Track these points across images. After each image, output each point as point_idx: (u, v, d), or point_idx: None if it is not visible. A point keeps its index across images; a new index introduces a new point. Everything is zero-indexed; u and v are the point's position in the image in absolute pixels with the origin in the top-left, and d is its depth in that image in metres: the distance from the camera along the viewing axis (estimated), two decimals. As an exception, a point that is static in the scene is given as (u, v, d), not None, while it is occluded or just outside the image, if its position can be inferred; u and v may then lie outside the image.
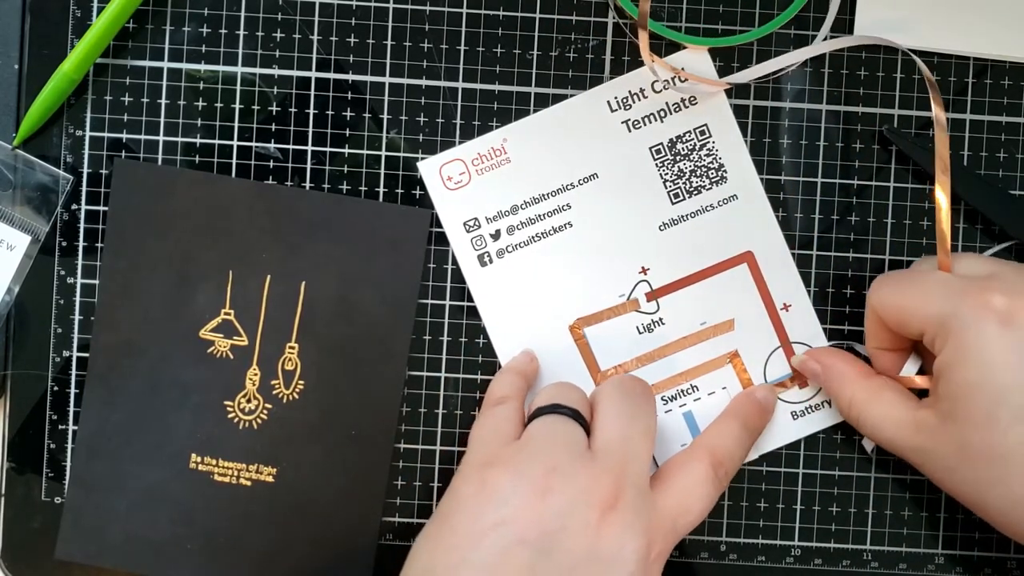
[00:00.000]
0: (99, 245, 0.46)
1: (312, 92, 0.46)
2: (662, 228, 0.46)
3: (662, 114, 0.46)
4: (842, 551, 0.47)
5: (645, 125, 0.46)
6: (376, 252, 0.45)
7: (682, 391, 0.46)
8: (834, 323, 0.46)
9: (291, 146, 0.46)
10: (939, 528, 0.47)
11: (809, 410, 0.46)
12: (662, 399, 0.46)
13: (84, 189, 0.46)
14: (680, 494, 0.41)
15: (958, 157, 0.47)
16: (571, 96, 0.46)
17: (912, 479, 0.47)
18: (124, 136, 0.46)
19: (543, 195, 0.46)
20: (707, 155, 0.46)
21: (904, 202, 0.47)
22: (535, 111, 0.46)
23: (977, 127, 0.47)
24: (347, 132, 0.46)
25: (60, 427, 0.46)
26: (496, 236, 0.46)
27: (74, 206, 0.46)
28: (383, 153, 0.46)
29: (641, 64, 0.46)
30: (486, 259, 0.46)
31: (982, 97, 0.47)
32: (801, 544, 0.47)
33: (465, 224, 0.46)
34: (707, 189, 0.46)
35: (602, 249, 0.46)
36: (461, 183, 0.46)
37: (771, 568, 0.47)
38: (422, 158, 0.46)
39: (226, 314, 0.45)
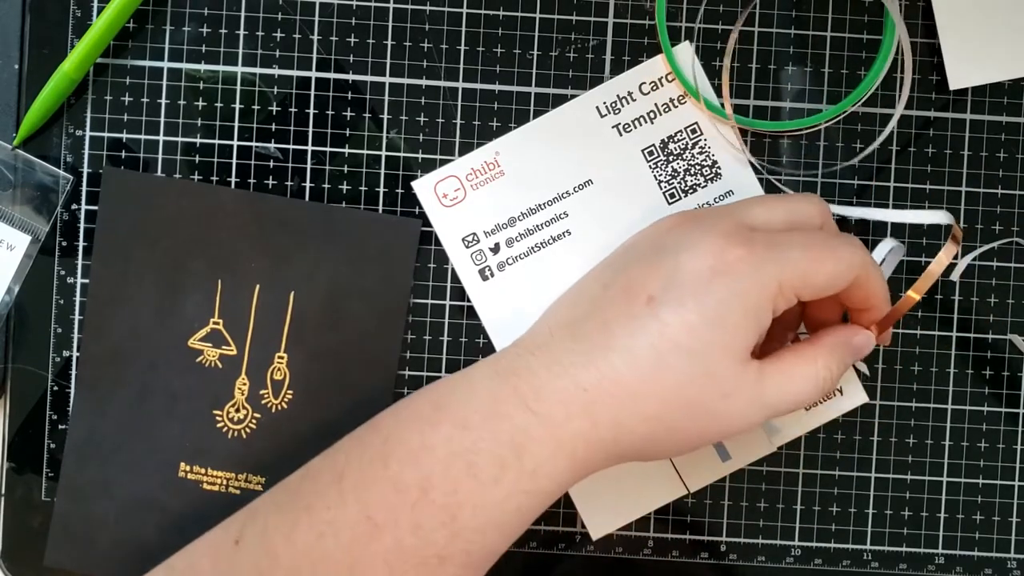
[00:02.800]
0: (91, 260, 0.45)
1: (312, 92, 0.46)
2: None
3: (652, 115, 0.46)
4: (842, 551, 0.47)
5: (636, 128, 0.46)
6: (365, 262, 0.45)
7: None
8: (834, 323, 0.46)
9: (291, 146, 0.46)
10: (939, 528, 0.47)
11: (821, 399, 0.46)
12: None
13: (84, 189, 0.46)
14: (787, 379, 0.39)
15: (958, 157, 0.47)
16: (572, 96, 0.46)
17: (912, 479, 0.47)
18: (124, 136, 0.46)
19: (539, 205, 0.46)
20: (700, 153, 0.46)
21: (904, 202, 0.47)
22: (535, 111, 0.46)
23: (977, 127, 0.47)
24: (347, 132, 0.46)
25: (60, 427, 0.46)
26: (496, 249, 0.46)
27: (74, 206, 0.46)
28: (383, 153, 0.46)
29: (639, 62, 0.46)
30: (487, 273, 0.46)
31: (982, 97, 0.47)
32: (801, 544, 0.47)
33: (464, 240, 0.46)
34: (702, 187, 0.46)
35: (602, 254, 0.46)
36: (457, 199, 0.46)
37: (771, 568, 0.47)
38: (418, 174, 0.46)
39: (215, 323, 0.45)
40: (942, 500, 0.47)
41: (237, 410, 0.45)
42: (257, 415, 0.45)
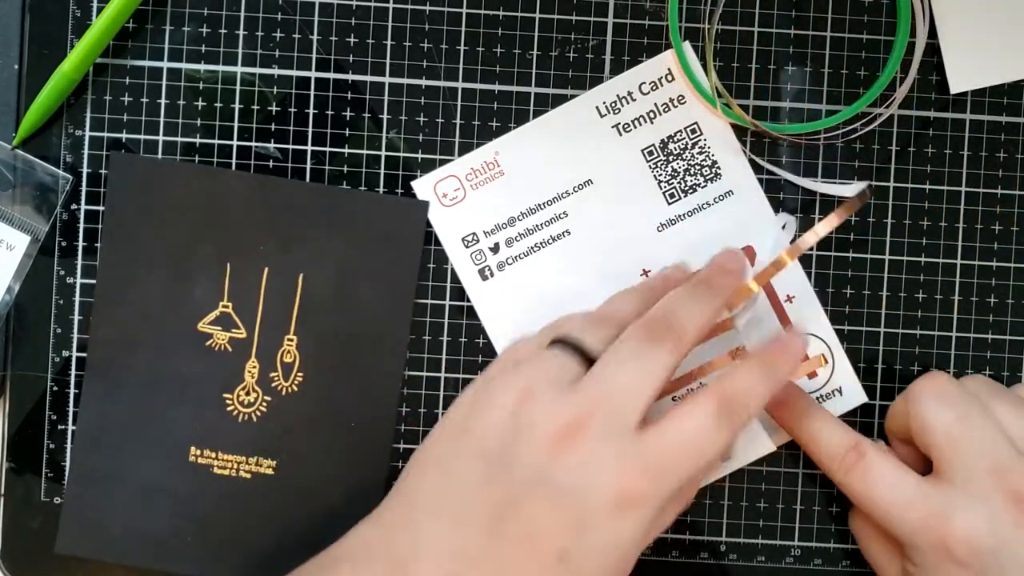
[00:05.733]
0: (98, 245, 0.46)
1: (312, 92, 0.46)
2: (660, 229, 0.46)
3: (652, 115, 0.46)
4: (842, 551, 0.47)
5: (636, 128, 0.46)
6: (374, 243, 0.45)
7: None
8: (833, 324, 0.46)
9: (291, 146, 0.46)
10: (939, 528, 0.47)
11: (820, 399, 0.46)
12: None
13: (84, 189, 0.46)
14: (678, 432, 0.37)
15: (958, 157, 0.47)
16: (571, 96, 0.46)
17: (912, 479, 0.47)
18: (124, 136, 0.46)
19: (539, 205, 0.46)
20: (700, 153, 0.46)
21: (904, 202, 0.47)
22: (535, 111, 0.46)
23: (977, 127, 0.47)
24: (347, 132, 0.46)
25: (60, 427, 0.46)
26: (495, 249, 0.46)
27: (74, 206, 0.46)
28: (383, 153, 0.46)
29: (638, 62, 0.46)
30: (487, 273, 0.46)
31: (982, 98, 0.47)
32: (801, 544, 0.47)
33: (463, 240, 0.46)
34: (702, 187, 0.46)
35: (602, 254, 0.46)
36: (456, 199, 0.46)
37: (771, 568, 0.47)
38: (418, 174, 0.46)
39: (224, 307, 0.45)
40: (942, 500, 0.47)
41: (247, 393, 0.46)
42: (267, 398, 0.46)
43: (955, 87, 0.46)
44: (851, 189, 0.44)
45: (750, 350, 0.43)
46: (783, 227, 0.45)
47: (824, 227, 0.41)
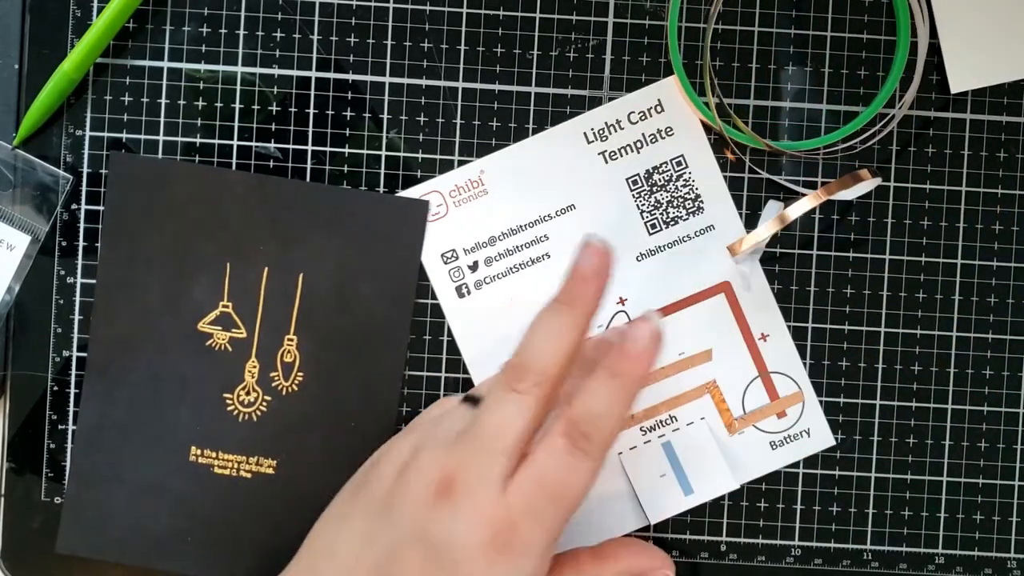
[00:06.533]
0: (98, 245, 0.46)
1: (312, 92, 0.46)
2: (639, 259, 0.46)
3: (639, 145, 0.46)
4: (842, 551, 0.47)
5: (622, 156, 0.46)
6: (374, 243, 0.45)
7: (660, 421, 0.46)
8: (834, 323, 0.46)
9: (291, 146, 0.46)
10: (939, 528, 0.47)
11: (788, 440, 0.46)
12: (640, 429, 0.46)
13: (84, 189, 0.46)
14: (537, 476, 0.37)
15: (958, 157, 0.47)
16: (572, 97, 0.46)
17: (912, 479, 0.47)
18: (124, 136, 0.46)
19: (521, 226, 0.46)
20: (684, 186, 0.46)
21: (904, 202, 0.47)
22: (535, 111, 0.46)
23: (977, 127, 0.47)
24: (347, 132, 0.46)
25: (60, 427, 0.46)
26: (474, 267, 0.46)
27: (74, 206, 0.46)
28: (383, 153, 0.46)
29: (639, 80, 0.46)
30: (464, 290, 0.46)
31: (982, 97, 0.47)
32: (801, 544, 0.47)
33: (443, 256, 0.46)
34: (684, 220, 0.46)
35: None
36: (439, 215, 0.46)
37: (771, 568, 0.47)
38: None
39: (224, 307, 0.45)
40: (942, 500, 0.47)
41: (247, 393, 0.46)
42: (268, 398, 0.46)
43: (955, 87, 0.46)
44: (853, 192, 0.44)
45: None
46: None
47: (809, 202, 0.42)
